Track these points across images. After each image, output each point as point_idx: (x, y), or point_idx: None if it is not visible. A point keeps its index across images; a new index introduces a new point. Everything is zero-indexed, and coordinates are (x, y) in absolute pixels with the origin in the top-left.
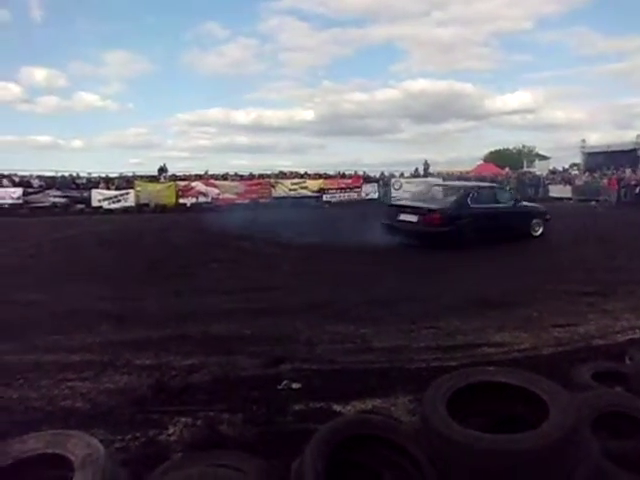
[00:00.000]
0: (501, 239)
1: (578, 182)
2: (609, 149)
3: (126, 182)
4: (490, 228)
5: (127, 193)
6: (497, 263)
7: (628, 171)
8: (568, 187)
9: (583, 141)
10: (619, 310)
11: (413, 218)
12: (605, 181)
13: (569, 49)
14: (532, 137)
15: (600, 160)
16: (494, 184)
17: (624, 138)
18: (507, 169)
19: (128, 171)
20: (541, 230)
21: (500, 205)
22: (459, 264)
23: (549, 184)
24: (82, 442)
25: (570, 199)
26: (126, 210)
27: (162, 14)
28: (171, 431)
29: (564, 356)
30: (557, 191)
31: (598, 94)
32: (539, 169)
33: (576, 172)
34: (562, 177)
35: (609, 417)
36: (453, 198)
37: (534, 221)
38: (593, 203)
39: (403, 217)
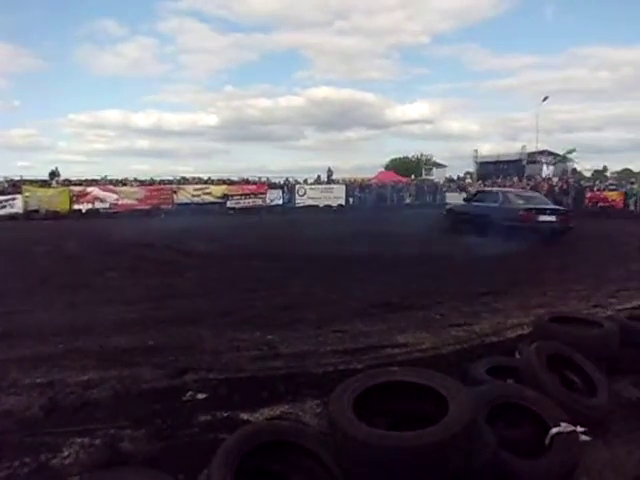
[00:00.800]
0: None
1: (472, 190)
2: (498, 159)
3: (12, 187)
4: None
5: (13, 199)
6: (395, 269)
7: (515, 179)
8: (463, 194)
9: (476, 151)
10: (509, 308)
11: (552, 218)
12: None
13: (463, 64)
14: (430, 146)
15: (491, 169)
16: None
17: (511, 149)
18: (410, 177)
19: (15, 175)
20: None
21: None
22: (362, 269)
23: (446, 191)
24: None
25: None
26: (12, 217)
27: (52, 7)
28: (66, 453)
29: (462, 354)
30: (453, 198)
31: (489, 107)
32: (437, 177)
33: (470, 180)
34: (457, 185)
35: (502, 408)
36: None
37: None
38: None
39: (542, 218)
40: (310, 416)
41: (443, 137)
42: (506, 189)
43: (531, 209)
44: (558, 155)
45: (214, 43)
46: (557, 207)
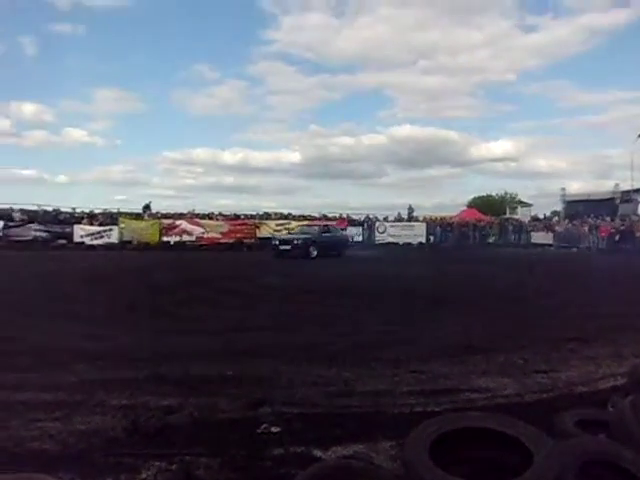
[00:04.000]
0: None
1: (559, 229)
2: (589, 198)
3: (110, 218)
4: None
5: (110, 230)
6: (479, 310)
7: (607, 219)
8: (550, 234)
9: (563, 189)
10: (601, 357)
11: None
12: (586, 228)
13: (551, 101)
14: (515, 184)
15: (580, 208)
16: None
17: (603, 187)
18: (493, 216)
19: (112, 207)
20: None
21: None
22: (442, 308)
23: (531, 231)
24: None
25: (551, 245)
26: (109, 247)
27: (154, 54)
28: (144, 475)
29: (547, 403)
30: (539, 238)
31: (578, 144)
32: (521, 216)
33: (557, 219)
34: (544, 224)
35: (592, 465)
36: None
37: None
38: (574, 249)
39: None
40: (384, 458)
41: (529, 175)
42: None
43: None
44: None
45: (300, 84)
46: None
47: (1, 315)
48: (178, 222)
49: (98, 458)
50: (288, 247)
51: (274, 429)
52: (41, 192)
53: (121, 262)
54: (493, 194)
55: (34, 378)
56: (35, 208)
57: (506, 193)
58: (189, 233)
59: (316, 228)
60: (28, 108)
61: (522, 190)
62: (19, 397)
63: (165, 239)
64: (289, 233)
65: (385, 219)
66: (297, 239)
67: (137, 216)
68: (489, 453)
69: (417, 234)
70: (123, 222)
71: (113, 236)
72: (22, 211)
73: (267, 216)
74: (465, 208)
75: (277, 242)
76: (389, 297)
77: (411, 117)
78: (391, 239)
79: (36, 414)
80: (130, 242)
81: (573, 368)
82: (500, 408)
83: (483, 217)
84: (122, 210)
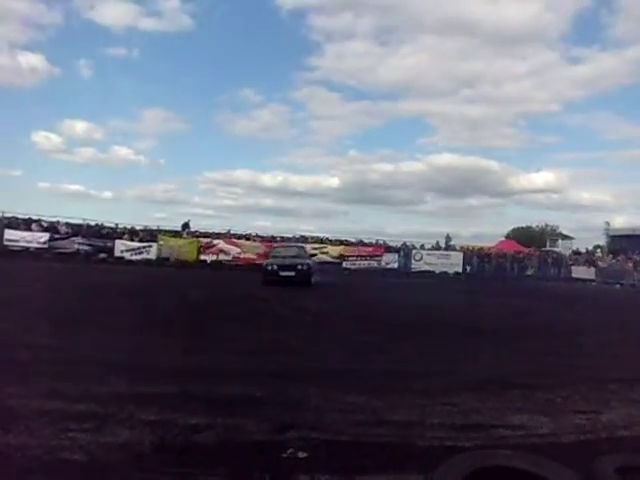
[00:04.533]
0: None
1: (602, 264)
2: (634, 232)
3: (150, 235)
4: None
5: (150, 246)
6: (517, 343)
7: None
8: (592, 269)
9: (607, 223)
10: None
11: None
12: (630, 264)
13: (594, 132)
14: (556, 217)
15: (624, 243)
16: None
17: None
18: (533, 248)
19: (153, 225)
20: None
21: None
22: (478, 340)
23: (572, 265)
24: None
25: (593, 281)
26: (147, 262)
27: (200, 77)
28: None
29: (586, 445)
30: (580, 272)
31: (623, 178)
32: (562, 249)
33: (600, 254)
34: (586, 258)
35: None
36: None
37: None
38: (617, 286)
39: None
40: None
41: (571, 207)
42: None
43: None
44: None
45: (341, 110)
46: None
47: (43, 324)
48: (216, 241)
49: (124, 472)
50: (292, 273)
51: (300, 454)
52: (86, 207)
53: (160, 278)
54: (533, 226)
55: (68, 388)
56: (80, 222)
57: (546, 225)
58: (226, 253)
59: (295, 250)
60: (79, 126)
61: (563, 223)
62: (53, 405)
63: (202, 257)
64: (273, 257)
65: (422, 247)
66: (301, 264)
67: (176, 234)
68: None
69: (454, 263)
70: (162, 239)
71: (152, 252)
72: (67, 224)
73: (304, 239)
74: (503, 239)
75: (275, 267)
76: (423, 327)
77: (451, 146)
78: (427, 267)
79: (67, 424)
80: (168, 259)
81: (614, 410)
82: (535, 448)
83: (522, 249)
84: (162, 227)
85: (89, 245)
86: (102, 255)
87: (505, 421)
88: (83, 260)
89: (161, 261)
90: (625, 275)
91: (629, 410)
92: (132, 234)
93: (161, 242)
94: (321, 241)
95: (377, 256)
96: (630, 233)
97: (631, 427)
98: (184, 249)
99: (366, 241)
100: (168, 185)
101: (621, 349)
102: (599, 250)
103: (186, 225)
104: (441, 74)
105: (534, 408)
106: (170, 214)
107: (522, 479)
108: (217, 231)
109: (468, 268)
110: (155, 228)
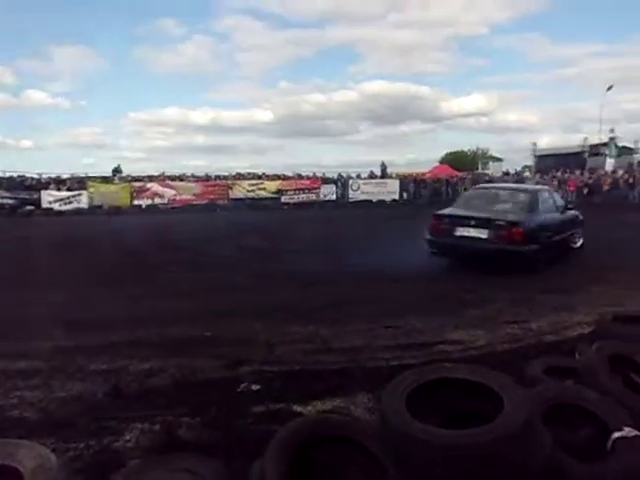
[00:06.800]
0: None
1: (530, 183)
2: (558, 152)
3: (78, 183)
4: (554, 244)
5: (79, 194)
6: (453, 264)
7: (577, 173)
8: None
9: (534, 144)
10: (569, 307)
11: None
12: (555, 182)
13: (522, 54)
14: (486, 139)
15: (550, 162)
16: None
17: (572, 141)
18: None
19: (80, 172)
20: (581, 242)
21: (558, 214)
22: (421, 264)
23: None
24: (32, 452)
25: None
26: (78, 212)
27: (111, 7)
28: (127, 437)
29: (518, 352)
30: None
31: (548, 98)
32: (493, 171)
33: (528, 174)
34: (515, 179)
35: (560, 409)
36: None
37: (574, 231)
38: None
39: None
40: (362, 410)
41: (500, 130)
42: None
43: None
44: (624, 147)
45: (269, 40)
46: (492, 217)
47: None
48: (149, 185)
49: (80, 423)
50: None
51: (254, 387)
52: (5, 158)
53: (94, 227)
54: (465, 150)
55: (11, 346)
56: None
57: (478, 148)
58: (161, 196)
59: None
60: None
61: (493, 145)
62: None
63: (136, 202)
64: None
65: (358, 176)
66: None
67: (107, 180)
68: (463, 402)
69: (391, 191)
70: (92, 186)
71: (82, 201)
72: None
73: (240, 176)
74: (437, 164)
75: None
76: (361, 256)
77: (383, 73)
78: (365, 196)
79: (14, 382)
80: (100, 207)
81: (543, 319)
82: (473, 359)
83: (455, 173)
84: (91, 174)
85: (13, 198)
86: (29, 207)
87: (445, 337)
88: (9, 214)
89: (93, 209)
90: None
91: (555, 318)
92: (59, 183)
93: (91, 189)
94: (258, 177)
95: (315, 188)
96: (554, 152)
97: (557, 332)
98: (117, 195)
99: (303, 174)
100: (93, 129)
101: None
102: (527, 170)
103: (117, 170)
104: None
105: (471, 323)
106: (98, 159)
107: (463, 388)
108: (150, 174)
109: (405, 195)
110: (84, 175)
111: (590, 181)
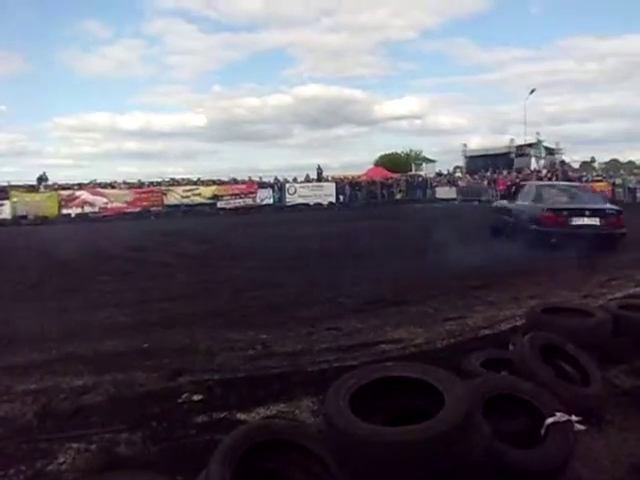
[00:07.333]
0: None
1: (462, 184)
2: (487, 152)
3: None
4: None
5: (1, 204)
6: (393, 264)
7: (505, 172)
8: (453, 188)
9: (465, 145)
10: (502, 301)
11: (593, 221)
12: (485, 182)
13: (451, 58)
14: (420, 141)
15: (480, 163)
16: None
17: (500, 142)
18: (400, 173)
19: (2, 181)
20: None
21: None
22: (355, 266)
23: (436, 186)
24: None
25: (455, 200)
26: (0, 223)
27: (35, 9)
28: (62, 459)
29: (456, 347)
30: (443, 193)
31: (477, 101)
32: (426, 172)
33: (459, 174)
34: (447, 179)
35: (497, 400)
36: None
37: None
38: (476, 203)
39: (578, 221)
40: (306, 414)
41: (432, 132)
42: (544, 183)
43: (560, 210)
44: (547, 147)
45: (201, 43)
46: (602, 207)
47: None
48: (78, 193)
49: (8, 447)
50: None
51: (195, 397)
52: None
53: (18, 239)
54: (399, 152)
55: None
56: None
57: (411, 150)
58: (91, 204)
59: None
60: None
61: (426, 147)
62: None
63: (65, 212)
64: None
65: (295, 180)
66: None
67: (31, 188)
68: (405, 400)
69: (327, 194)
70: (15, 195)
71: (5, 212)
72: None
73: (174, 182)
74: (372, 166)
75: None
76: (300, 259)
77: (316, 76)
78: (302, 200)
79: None
80: (25, 217)
81: (478, 314)
82: (413, 356)
83: (390, 174)
84: (13, 183)
85: None
86: None
87: (386, 337)
88: None
89: (17, 220)
90: (482, 192)
91: (490, 312)
92: None
93: (15, 199)
94: (193, 183)
95: (251, 193)
96: (484, 153)
97: (492, 326)
98: (43, 204)
99: (239, 179)
100: (14, 135)
101: (479, 258)
102: (459, 170)
103: (42, 178)
104: (300, 1)
105: (410, 321)
106: (21, 167)
107: (405, 386)
108: (79, 181)
109: (341, 197)
110: (6, 184)
111: (517, 180)
